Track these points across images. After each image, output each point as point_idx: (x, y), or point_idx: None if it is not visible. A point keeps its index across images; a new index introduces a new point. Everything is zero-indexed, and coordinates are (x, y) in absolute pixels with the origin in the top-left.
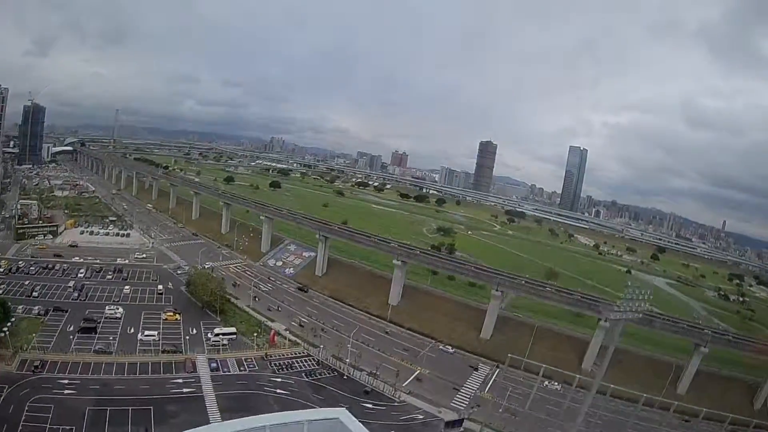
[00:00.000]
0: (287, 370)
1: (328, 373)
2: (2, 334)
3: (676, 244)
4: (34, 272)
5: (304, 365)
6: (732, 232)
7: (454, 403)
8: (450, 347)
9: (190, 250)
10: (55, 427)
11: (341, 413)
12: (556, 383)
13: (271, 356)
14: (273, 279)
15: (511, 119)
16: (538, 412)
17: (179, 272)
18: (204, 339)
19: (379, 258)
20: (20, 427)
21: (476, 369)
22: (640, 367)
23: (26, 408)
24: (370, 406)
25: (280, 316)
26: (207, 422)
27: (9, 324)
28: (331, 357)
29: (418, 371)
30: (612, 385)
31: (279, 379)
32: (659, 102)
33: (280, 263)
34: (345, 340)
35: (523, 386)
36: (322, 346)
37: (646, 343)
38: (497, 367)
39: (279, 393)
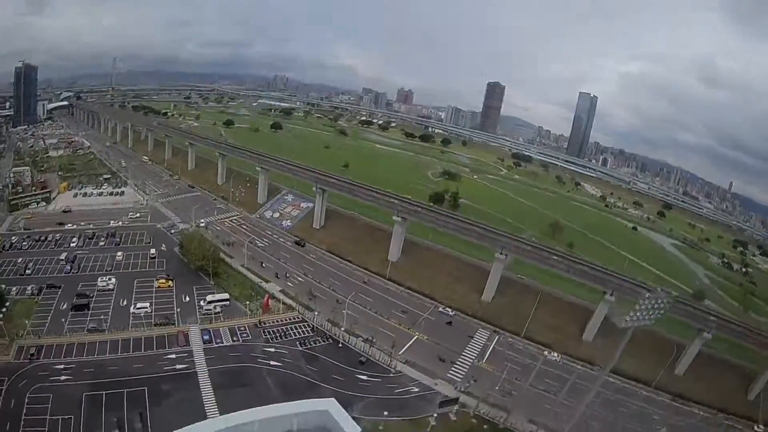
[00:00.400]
0: (281, 338)
1: (323, 341)
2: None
3: (682, 201)
4: (26, 247)
5: (298, 332)
6: (738, 194)
7: (451, 373)
8: (450, 309)
9: (185, 204)
10: (54, 418)
11: (330, 404)
12: (555, 354)
13: (264, 323)
14: (269, 233)
15: (521, 61)
16: (537, 385)
17: (173, 231)
18: (197, 307)
19: (380, 209)
20: (22, 422)
21: (450, 323)
22: (641, 342)
23: (26, 400)
24: (364, 378)
25: (274, 276)
26: (200, 401)
27: (4, 309)
28: (327, 322)
29: (416, 337)
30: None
31: (272, 349)
32: (673, 56)
33: (277, 215)
34: (341, 302)
35: (523, 355)
36: (317, 312)
37: None
38: (496, 332)
39: (273, 365)
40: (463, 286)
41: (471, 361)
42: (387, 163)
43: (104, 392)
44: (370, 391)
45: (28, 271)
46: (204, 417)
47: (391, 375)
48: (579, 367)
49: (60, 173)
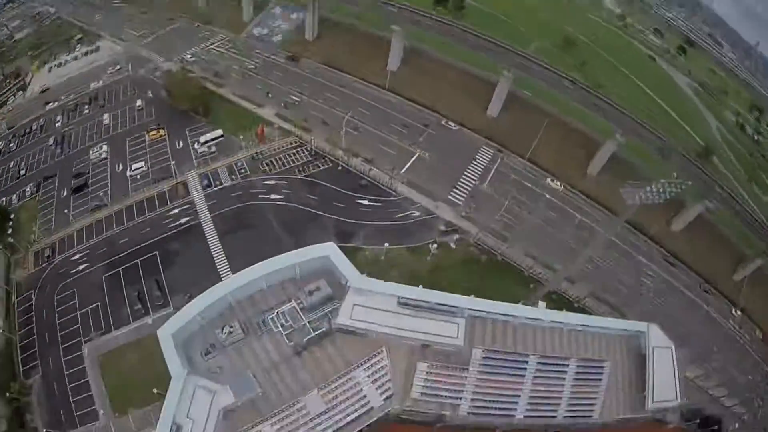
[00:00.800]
0: (280, 167)
1: (322, 165)
2: (10, 239)
3: (705, 42)
4: (14, 147)
5: (296, 159)
6: (765, 56)
7: (452, 195)
8: (453, 124)
9: (166, 40)
10: (83, 310)
11: (330, 249)
12: (558, 182)
13: (261, 154)
14: (259, 52)
15: None
16: (538, 216)
17: (157, 74)
18: (192, 151)
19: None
20: (57, 327)
21: (426, 126)
22: None
23: (55, 304)
24: (365, 203)
25: (270, 100)
26: (209, 254)
27: (10, 224)
28: (325, 143)
29: (417, 154)
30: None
31: (272, 182)
32: None
33: (266, 31)
34: (340, 120)
35: (525, 180)
36: (312, 138)
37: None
38: (500, 151)
39: (273, 199)
40: (468, 100)
41: (473, 183)
42: None
43: (120, 269)
44: (371, 217)
45: (22, 172)
46: (214, 269)
47: (392, 198)
48: (582, 200)
49: (30, 53)
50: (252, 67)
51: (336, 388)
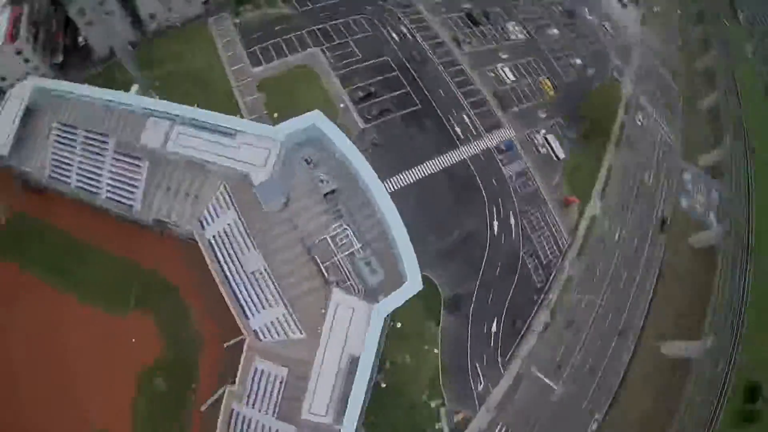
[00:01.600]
0: (528, 228)
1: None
2: None
3: None
4: None
5: (545, 246)
6: None
7: None
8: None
9: None
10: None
11: (415, 282)
12: None
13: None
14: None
15: None
16: None
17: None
18: (535, 129)
19: None
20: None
21: None
22: None
23: None
24: (494, 329)
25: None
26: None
27: None
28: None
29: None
30: None
31: (511, 221)
32: None
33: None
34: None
35: None
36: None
37: None
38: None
39: (494, 231)
40: None
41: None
42: None
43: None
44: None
45: None
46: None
47: None
48: None
49: None
50: (648, 181)
51: (269, 284)
